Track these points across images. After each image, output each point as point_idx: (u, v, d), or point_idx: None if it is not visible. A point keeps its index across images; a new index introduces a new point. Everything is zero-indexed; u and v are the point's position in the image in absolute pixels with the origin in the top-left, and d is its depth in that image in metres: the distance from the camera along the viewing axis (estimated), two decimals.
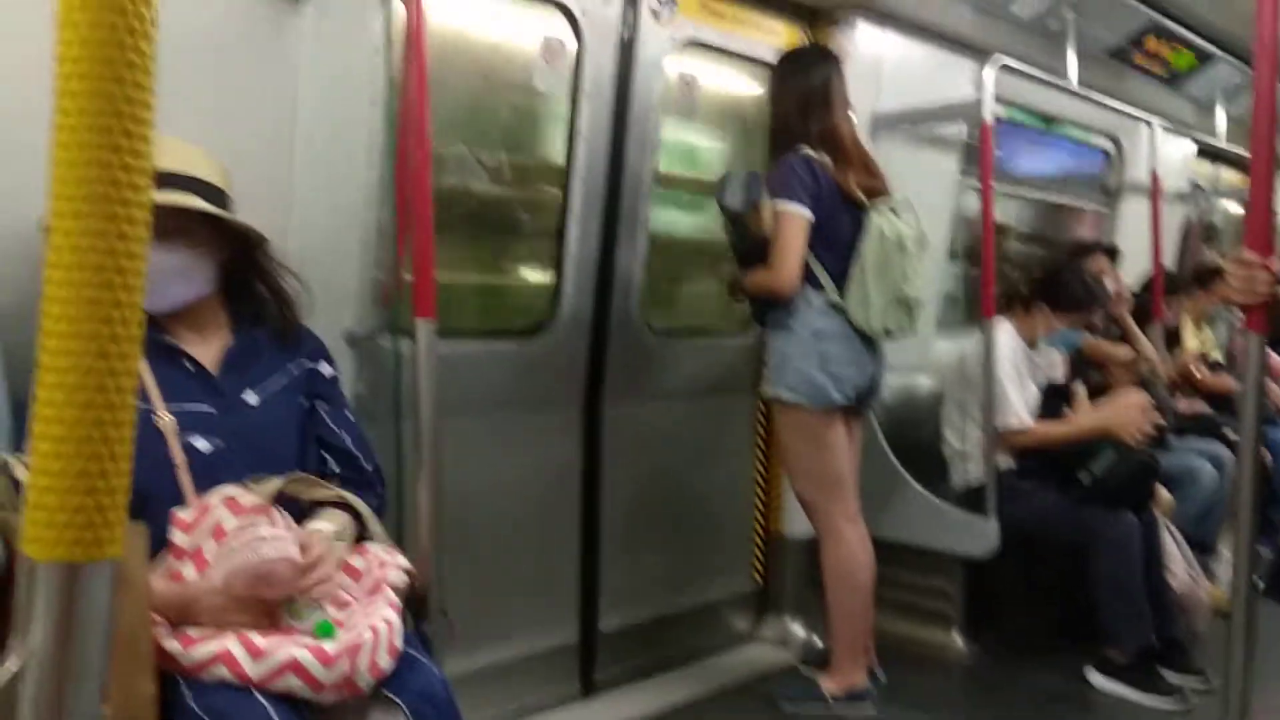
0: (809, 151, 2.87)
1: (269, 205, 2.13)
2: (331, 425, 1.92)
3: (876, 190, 2.93)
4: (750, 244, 2.84)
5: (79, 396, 0.54)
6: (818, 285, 2.88)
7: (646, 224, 3.11)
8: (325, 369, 1.95)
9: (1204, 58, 4.61)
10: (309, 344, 1.95)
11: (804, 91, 2.91)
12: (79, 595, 0.56)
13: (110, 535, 0.56)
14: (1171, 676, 3.19)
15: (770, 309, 2.95)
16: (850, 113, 3.03)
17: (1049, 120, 4.62)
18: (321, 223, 2.26)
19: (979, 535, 3.27)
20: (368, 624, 1.58)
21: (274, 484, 1.69)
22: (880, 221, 2.85)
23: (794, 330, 2.88)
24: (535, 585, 3.00)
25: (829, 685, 3.00)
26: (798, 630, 3.59)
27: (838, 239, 2.88)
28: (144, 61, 0.56)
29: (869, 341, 2.93)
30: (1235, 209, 6.73)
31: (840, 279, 2.89)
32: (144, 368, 1.73)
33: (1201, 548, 3.89)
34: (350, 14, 2.26)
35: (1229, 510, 4.22)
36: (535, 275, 3.10)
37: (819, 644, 3.45)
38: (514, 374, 2.86)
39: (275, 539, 1.56)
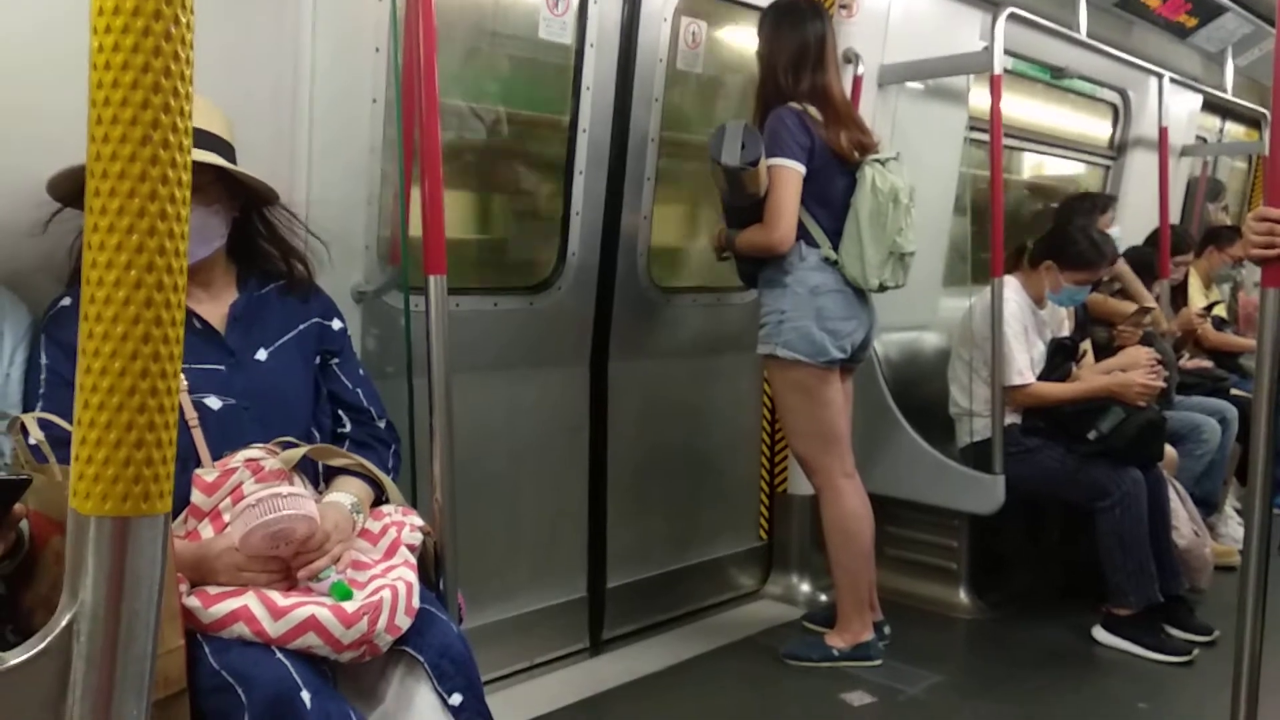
0: (798, 106, 2.83)
1: (276, 160, 2.10)
2: (344, 380, 1.91)
3: (867, 147, 2.90)
4: (745, 201, 2.81)
5: (126, 347, 0.52)
6: (811, 242, 2.86)
7: (653, 180, 3.08)
8: (335, 324, 1.93)
9: (1213, 10, 4.53)
10: (319, 301, 1.93)
11: (798, 46, 2.86)
12: (131, 550, 0.55)
13: (160, 489, 0.54)
14: (1176, 633, 3.22)
15: (762, 267, 2.93)
16: (860, 66, 2.97)
17: (1057, 72, 4.56)
18: (330, 178, 2.22)
19: (985, 492, 3.27)
20: (385, 584, 1.58)
21: (297, 452, 1.68)
22: (873, 174, 2.83)
23: (789, 287, 2.86)
24: (543, 541, 3.01)
25: (834, 640, 3.02)
26: (803, 586, 3.61)
27: (830, 195, 2.86)
28: None
29: (861, 295, 2.93)
30: (1240, 164, 6.68)
31: (834, 235, 2.87)
32: None
33: (1205, 505, 3.91)
34: None
35: (1233, 467, 4.25)
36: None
37: (824, 599, 3.47)
38: (521, 330, 2.85)
39: (293, 496, 1.55)
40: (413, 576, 1.64)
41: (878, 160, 2.86)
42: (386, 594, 1.55)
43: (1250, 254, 1.95)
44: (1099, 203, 4.29)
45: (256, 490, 1.60)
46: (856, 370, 3.11)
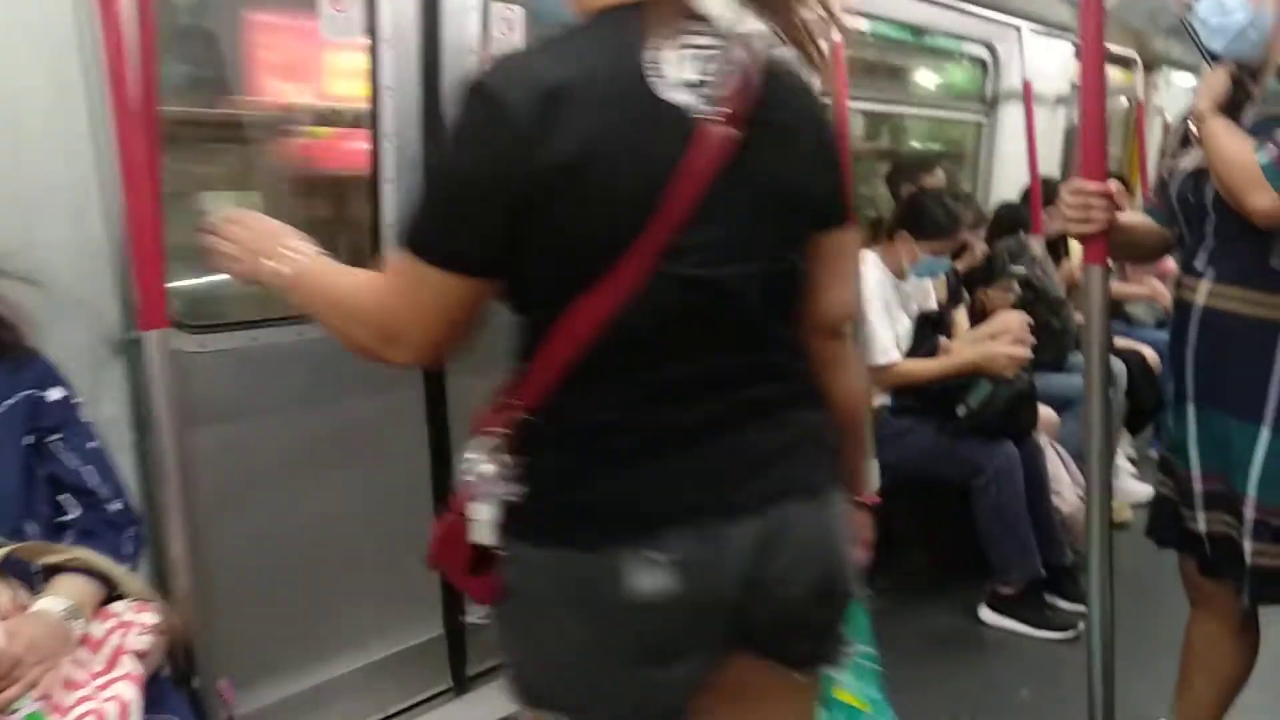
0: None
1: None
2: (64, 461, 1.65)
3: None
4: None
5: None
6: None
7: None
8: (54, 394, 1.67)
9: None
10: (32, 369, 1.66)
11: None
12: None
13: None
14: (1062, 604, 3.13)
15: None
16: None
17: (919, 32, 4.42)
18: (62, 216, 1.95)
19: None
20: (94, 708, 1.35)
21: None
22: None
23: None
24: (387, 580, 2.76)
25: None
26: None
27: None
28: None
29: None
30: (1123, 102, 6.64)
31: None
32: None
33: None
34: None
35: (1121, 419, 4.19)
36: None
37: None
38: (337, 357, 2.58)
39: None
40: (132, 692, 1.41)
41: None
42: None
43: (1067, 228, 1.81)
44: (924, 163, 4.18)
45: None
46: None
